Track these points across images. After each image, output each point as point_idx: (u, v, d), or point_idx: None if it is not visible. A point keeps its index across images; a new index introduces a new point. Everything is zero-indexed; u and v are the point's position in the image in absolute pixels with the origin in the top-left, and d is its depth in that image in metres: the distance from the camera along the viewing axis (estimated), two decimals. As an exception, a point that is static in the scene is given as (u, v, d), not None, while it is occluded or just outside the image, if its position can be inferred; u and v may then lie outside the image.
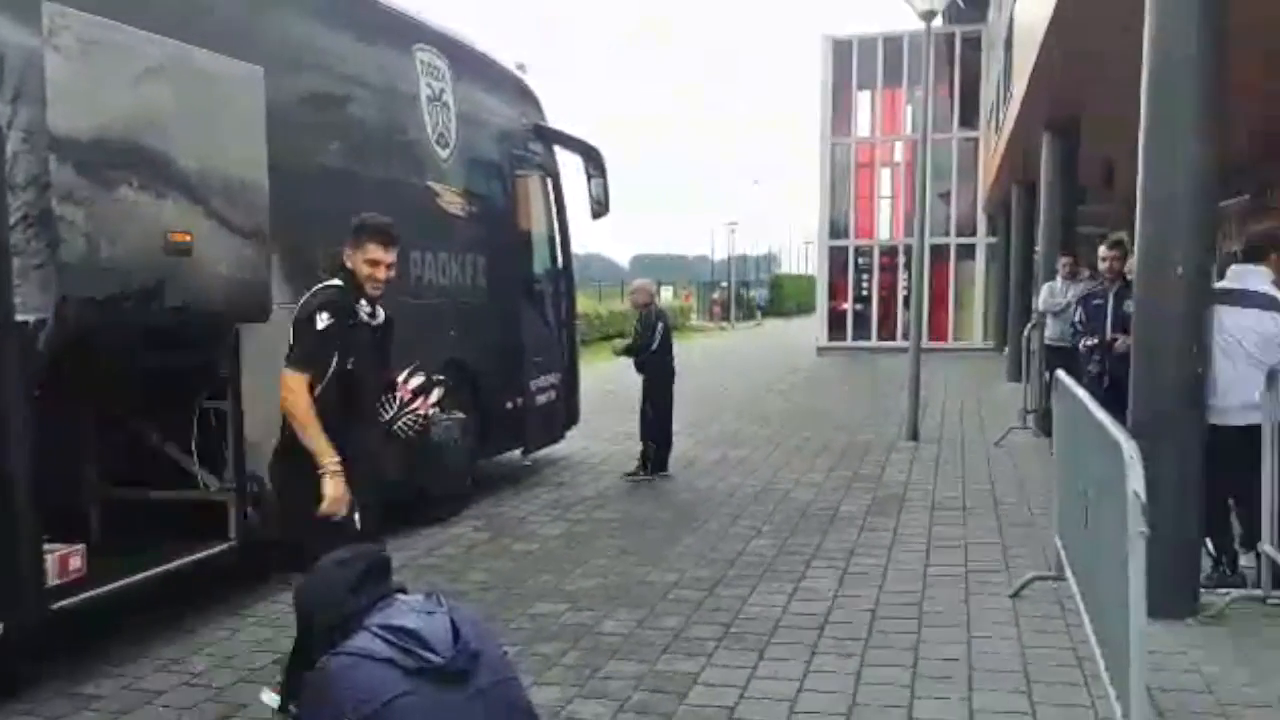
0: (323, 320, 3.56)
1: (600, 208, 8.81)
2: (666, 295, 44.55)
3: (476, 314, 7.27)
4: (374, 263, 3.68)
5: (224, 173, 4.52)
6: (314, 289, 3.73)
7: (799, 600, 5.10)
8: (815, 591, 5.23)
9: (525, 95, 8.58)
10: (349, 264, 3.70)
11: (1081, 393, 4.38)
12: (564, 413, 8.83)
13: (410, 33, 6.78)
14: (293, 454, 3.66)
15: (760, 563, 5.80)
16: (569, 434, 9.10)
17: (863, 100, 27.01)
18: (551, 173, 8.78)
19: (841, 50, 26.12)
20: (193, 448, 4.87)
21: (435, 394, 4.03)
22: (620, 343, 9.04)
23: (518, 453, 8.35)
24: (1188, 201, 4.65)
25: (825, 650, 4.39)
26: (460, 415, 3.92)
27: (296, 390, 3.57)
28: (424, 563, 5.87)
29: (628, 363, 8.71)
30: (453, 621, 2.20)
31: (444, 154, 6.98)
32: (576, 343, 9.51)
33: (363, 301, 3.71)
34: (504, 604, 5.08)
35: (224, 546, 4.82)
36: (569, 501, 7.50)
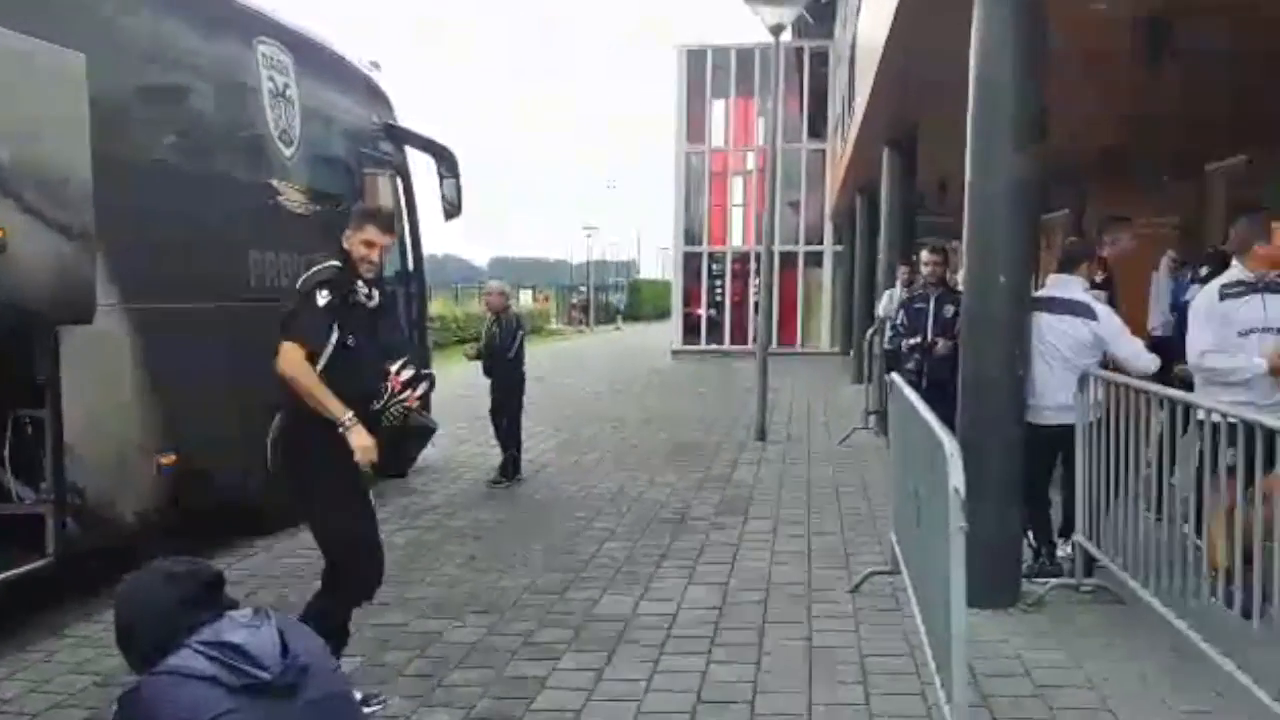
0: (323, 297, 3.71)
1: (453, 209, 8.68)
2: (525, 298, 44.36)
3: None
4: (370, 244, 3.88)
5: (41, 165, 4.26)
6: (314, 268, 3.86)
7: (648, 601, 5.15)
8: (664, 592, 5.30)
9: (375, 93, 8.39)
10: (347, 245, 3.89)
11: (912, 394, 4.60)
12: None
13: (251, 24, 6.52)
14: (296, 435, 3.79)
15: (611, 565, 5.84)
16: (420, 439, 8.93)
17: (717, 110, 27.61)
18: (402, 173, 8.61)
19: (696, 60, 26.63)
20: (4, 456, 4.56)
21: (422, 387, 4.22)
22: (472, 347, 8.91)
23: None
24: (1009, 213, 4.94)
25: (672, 650, 4.46)
26: (435, 424, 4.26)
27: (296, 358, 3.68)
28: (266, 574, 5.66)
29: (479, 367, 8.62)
30: (281, 634, 2.12)
31: (288, 151, 6.75)
32: (429, 346, 9.35)
33: (359, 283, 3.87)
34: (348, 614, 4.94)
35: (40, 562, 4.53)
36: (418, 509, 7.36)
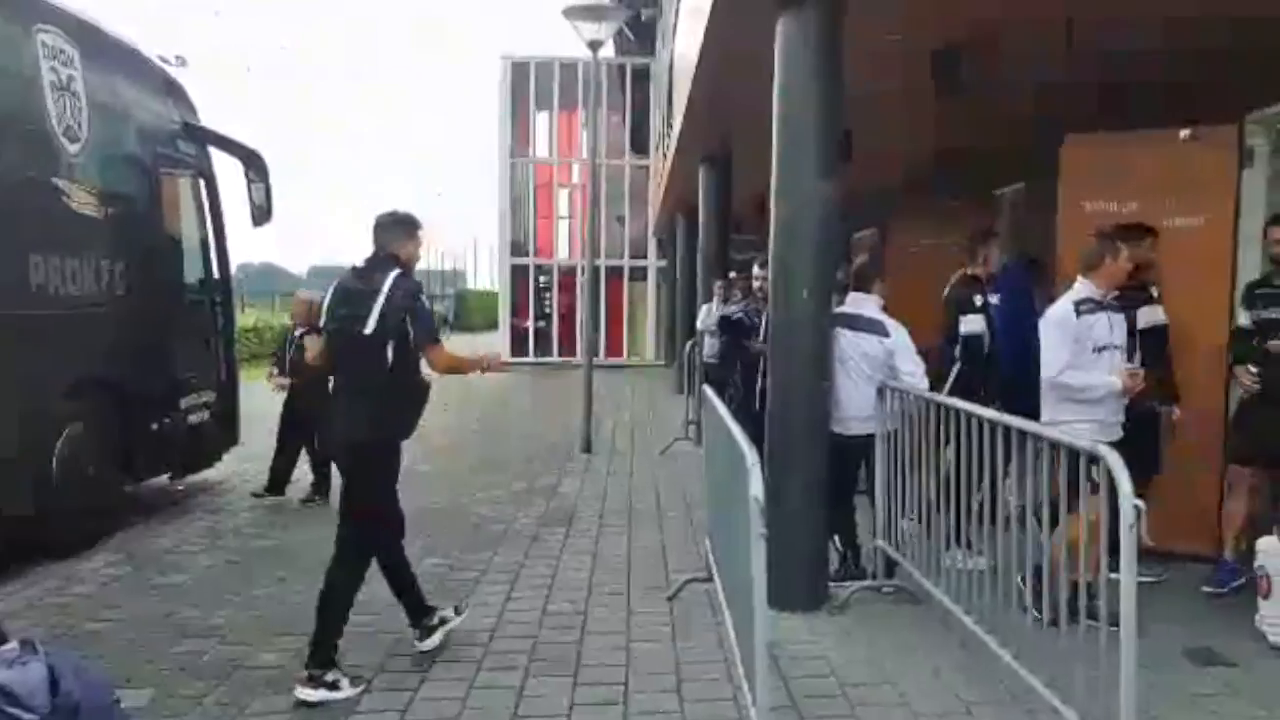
0: (426, 299, 4.28)
1: (262, 214, 8.31)
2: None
3: (114, 325, 6.60)
4: (419, 244, 4.39)
5: None
6: (396, 276, 4.14)
7: (467, 618, 5.06)
8: (484, 608, 5.23)
9: (174, 90, 7.94)
10: (400, 254, 4.26)
11: (720, 406, 4.73)
12: (220, 433, 8.23)
13: (28, 10, 6.04)
14: (381, 432, 4.41)
15: (431, 581, 5.66)
16: (227, 457, 8.50)
17: (541, 122, 27.65)
18: (205, 175, 8.19)
19: (520, 72, 26.59)
20: None
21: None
22: (274, 381, 8.08)
23: (166, 478, 7.70)
24: (812, 231, 5.15)
25: (490, 666, 4.40)
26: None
27: (446, 354, 4.38)
28: (50, 603, 5.25)
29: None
30: (51, 670, 1.97)
31: (73, 148, 6.29)
32: (235, 357, 8.90)
33: None
34: (143, 644, 4.63)
35: None
36: (224, 529, 6.99)
